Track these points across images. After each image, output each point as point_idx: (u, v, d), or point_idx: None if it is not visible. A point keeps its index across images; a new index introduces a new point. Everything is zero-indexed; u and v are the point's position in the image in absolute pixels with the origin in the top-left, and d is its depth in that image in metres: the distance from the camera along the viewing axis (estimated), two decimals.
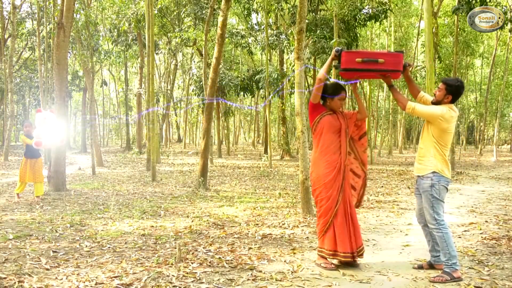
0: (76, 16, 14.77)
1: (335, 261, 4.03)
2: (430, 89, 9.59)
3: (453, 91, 3.78)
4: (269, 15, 18.64)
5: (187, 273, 3.80)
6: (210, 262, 4.11)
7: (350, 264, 3.98)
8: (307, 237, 5.22)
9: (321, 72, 4.04)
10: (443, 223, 3.77)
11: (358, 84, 4.43)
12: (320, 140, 4.04)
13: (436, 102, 3.87)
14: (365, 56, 3.87)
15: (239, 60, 33.94)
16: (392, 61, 3.89)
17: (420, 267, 3.99)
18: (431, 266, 3.96)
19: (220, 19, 9.30)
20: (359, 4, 16.38)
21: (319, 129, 4.04)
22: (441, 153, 3.78)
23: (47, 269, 3.90)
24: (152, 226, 5.80)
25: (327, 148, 4.00)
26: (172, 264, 4.03)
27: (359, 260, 4.07)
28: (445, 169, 3.78)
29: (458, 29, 18.06)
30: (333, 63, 4.08)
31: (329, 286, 3.55)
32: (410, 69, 4.07)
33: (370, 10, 17.00)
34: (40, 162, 8.14)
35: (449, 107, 3.79)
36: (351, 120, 4.17)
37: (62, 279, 3.64)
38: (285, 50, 20.35)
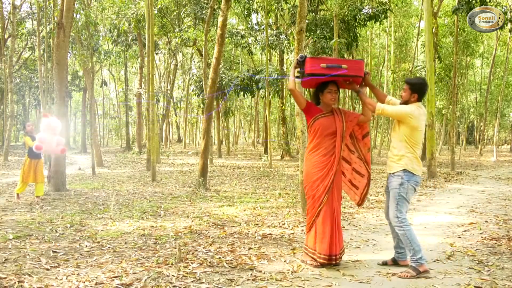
0: (76, 16, 14.77)
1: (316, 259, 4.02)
2: (430, 89, 9.59)
3: (416, 89, 3.88)
4: (269, 15, 18.65)
5: (187, 273, 3.80)
6: (210, 262, 4.11)
7: (329, 265, 3.95)
8: None
9: (290, 83, 4.07)
10: (405, 221, 3.84)
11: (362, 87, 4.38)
12: (313, 141, 4.03)
13: (403, 103, 3.96)
14: (329, 62, 3.94)
15: (239, 60, 33.94)
16: (354, 67, 3.99)
17: (385, 263, 4.08)
18: (395, 262, 4.05)
19: (220, 19, 9.30)
20: (359, 4, 16.38)
21: (313, 130, 4.04)
22: (412, 151, 3.86)
23: (47, 269, 3.90)
24: (152, 226, 5.80)
25: (318, 149, 3.99)
26: (172, 264, 4.03)
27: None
28: (416, 167, 3.86)
29: (458, 29, 18.07)
30: (296, 71, 4.10)
31: (329, 286, 3.55)
32: (369, 77, 4.17)
33: (370, 10, 17.00)
34: (41, 163, 8.17)
35: (417, 105, 3.89)
36: (351, 123, 4.11)
37: (62, 279, 3.64)
38: (285, 50, 20.36)
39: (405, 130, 3.85)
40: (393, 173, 3.91)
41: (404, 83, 4.03)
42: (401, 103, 3.99)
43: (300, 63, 3.97)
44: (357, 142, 4.25)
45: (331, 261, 3.93)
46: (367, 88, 4.36)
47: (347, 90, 19.35)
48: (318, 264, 3.98)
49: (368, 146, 4.29)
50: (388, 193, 4.03)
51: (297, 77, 4.14)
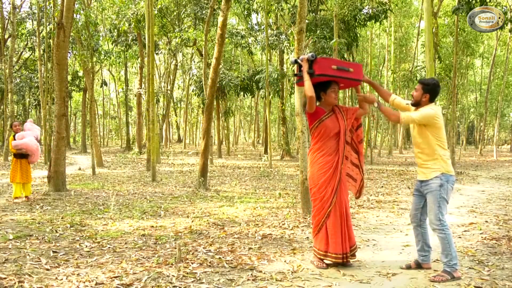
0: (76, 16, 14.75)
1: (327, 261, 4.01)
2: None
3: (429, 89, 3.82)
4: (269, 15, 18.65)
5: (187, 273, 3.80)
6: (210, 262, 4.11)
7: (342, 264, 3.97)
8: (307, 237, 5.22)
9: (309, 89, 3.85)
10: (446, 224, 3.78)
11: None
12: (317, 143, 4.04)
13: (415, 103, 3.89)
14: (339, 64, 4.00)
15: (239, 60, 33.95)
16: (356, 70, 4.07)
17: (409, 267, 3.99)
18: (418, 265, 3.98)
19: (220, 19, 9.30)
20: (359, 4, 16.38)
21: (317, 133, 4.03)
22: (444, 152, 3.79)
23: (47, 269, 3.90)
24: (152, 226, 5.80)
25: (322, 150, 4.00)
26: (172, 264, 4.04)
27: (353, 260, 4.08)
28: (450, 168, 3.80)
29: (458, 29, 18.06)
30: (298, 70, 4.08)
31: (329, 286, 3.55)
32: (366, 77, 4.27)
33: (370, 10, 17.00)
34: (27, 162, 8.09)
35: (435, 106, 3.86)
36: (350, 120, 4.15)
37: (62, 279, 3.64)
38: (285, 50, 20.36)
39: (433, 131, 3.75)
40: (430, 179, 3.77)
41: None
42: (412, 104, 3.91)
43: (309, 62, 3.92)
44: (352, 134, 4.27)
45: (343, 259, 3.92)
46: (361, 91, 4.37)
47: (346, 89, 19.32)
48: (324, 265, 3.98)
49: (360, 137, 4.32)
50: (418, 196, 3.95)
51: (295, 75, 4.14)
